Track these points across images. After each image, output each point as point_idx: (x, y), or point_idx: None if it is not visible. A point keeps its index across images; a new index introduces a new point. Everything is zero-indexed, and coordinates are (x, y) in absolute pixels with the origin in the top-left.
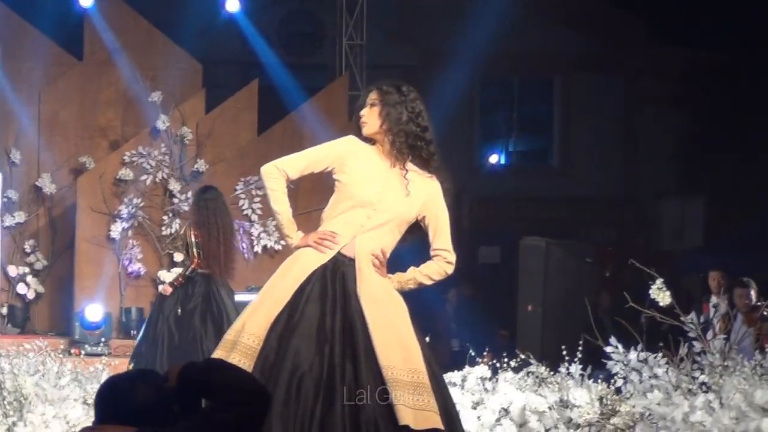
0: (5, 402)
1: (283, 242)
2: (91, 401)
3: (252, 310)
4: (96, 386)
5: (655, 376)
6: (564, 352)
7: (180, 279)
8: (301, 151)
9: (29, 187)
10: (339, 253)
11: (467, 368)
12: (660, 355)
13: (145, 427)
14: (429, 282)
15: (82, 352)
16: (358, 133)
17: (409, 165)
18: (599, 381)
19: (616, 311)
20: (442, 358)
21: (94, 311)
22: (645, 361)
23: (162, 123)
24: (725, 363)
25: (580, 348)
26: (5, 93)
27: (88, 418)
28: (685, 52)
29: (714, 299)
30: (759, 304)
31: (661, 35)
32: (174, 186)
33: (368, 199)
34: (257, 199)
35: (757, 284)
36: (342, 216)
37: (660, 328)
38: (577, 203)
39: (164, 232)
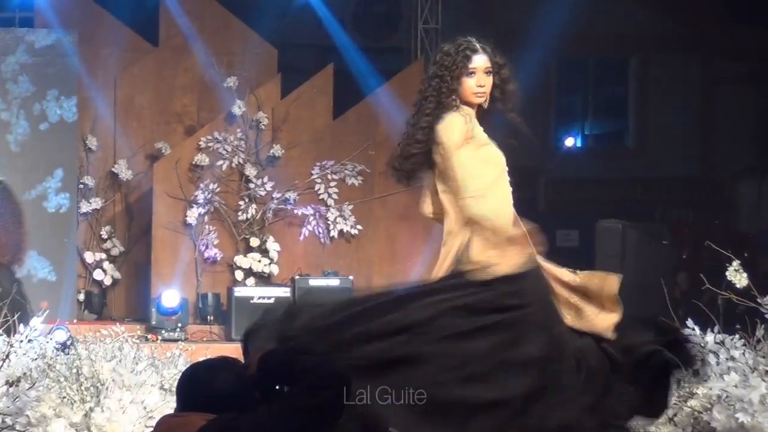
0: (82, 388)
1: (359, 227)
2: (167, 386)
3: None
4: (172, 371)
5: (732, 358)
6: None
7: None
8: (468, 170)
9: (105, 174)
10: None
11: None
12: (737, 337)
13: (226, 414)
14: None
15: (159, 337)
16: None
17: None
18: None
19: (694, 293)
20: None
21: (170, 297)
22: (722, 343)
23: (238, 108)
24: None
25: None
26: (82, 79)
27: (165, 404)
28: (763, 31)
29: None
30: None
31: (739, 14)
32: (250, 171)
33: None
34: (333, 184)
35: None
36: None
37: (736, 310)
38: (653, 185)
39: (240, 218)
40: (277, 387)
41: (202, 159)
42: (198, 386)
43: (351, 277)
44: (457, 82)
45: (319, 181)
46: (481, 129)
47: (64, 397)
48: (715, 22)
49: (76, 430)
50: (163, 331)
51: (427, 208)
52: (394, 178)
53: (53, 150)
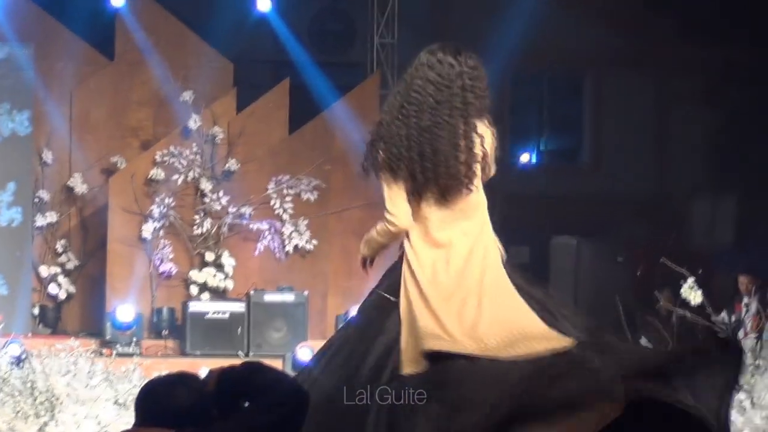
0: (37, 402)
1: (314, 241)
2: (122, 401)
3: None
4: (127, 386)
5: None
6: None
7: None
8: None
9: (61, 187)
10: None
11: None
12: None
13: (185, 430)
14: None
15: (114, 352)
16: None
17: None
18: None
19: (647, 310)
20: None
21: (125, 311)
22: None
23: (193, 122)
24: (757, 362)
25: None
26: (37, 93)
27: (119, 418)
28: (717, 49)
29: (745, 298)
30: None
31: (693, 32)
32: (205, 185)
33: None
34: (288, 198)
35: None
36: None
37: (691, 328)
38: (608, 202)
39: (196, 232)
40: (235, 403)
41: (157, 173)
42: (156, 401)
43: (306, 293)
44: None
45: (274, 195)
46: None
47: (18, 412)
48: (670, 39)
49: None
50: (117, 346)
51: (408, 219)
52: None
53: (6, 163)
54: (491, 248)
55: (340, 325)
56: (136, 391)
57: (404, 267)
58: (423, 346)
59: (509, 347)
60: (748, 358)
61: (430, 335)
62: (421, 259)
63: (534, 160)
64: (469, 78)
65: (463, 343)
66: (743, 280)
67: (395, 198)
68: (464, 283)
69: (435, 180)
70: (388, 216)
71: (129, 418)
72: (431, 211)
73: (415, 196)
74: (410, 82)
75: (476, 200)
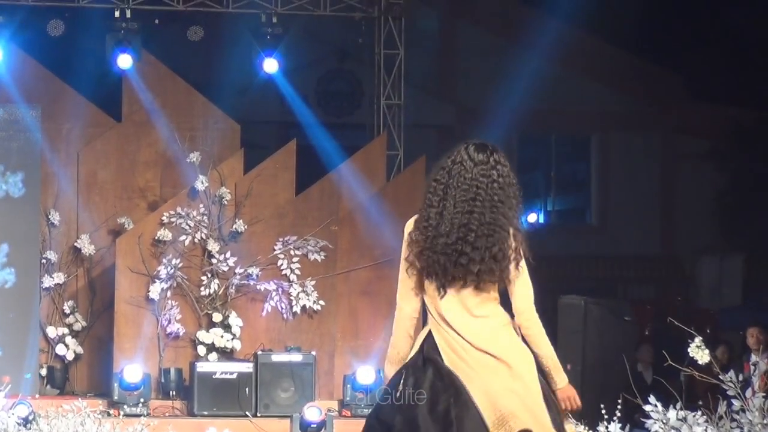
0: None
1: (322, 302)
2: None
3: None
4: None
5: None
6: (603, 411)
7: None
8: None
9: (68, 248)
10: None
11: None
12: (699, 413)
13: None
14: None
15: (121, 412)
16: None
17: None
18: None
19: (656, 370)
20: None
21: (133, 372)
22: (684, 419)
23: (200, 183)
24: (765, 421)
25: (619, 407)
26: (45, 154)
27: None
28: (723, 109)
29: (754, 357)
30: None
31: (698, 92)
32: (213, 246)
33: None
34: (296, 259)
35: None
36: None
37: (699, 387)
38: (615, 261)
39: (203, 293)
40: None
41: (164, 234)
42: None
43: (313, 353)
44: None
45: (281, 256)
46: None
47: None
48: (675, 99)
49: None
50: (125, 406)
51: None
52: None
53: None
54: None
55: (347, 385)
56: None
57: None
58: None
59: None
60: (757, 417)
61: None
62: None
63: (542, 220)
64: None
65: None
66: (753, 332)
67: None
68: None
69: None
70: None
71: None
72: None
73: None
74: None
75: None
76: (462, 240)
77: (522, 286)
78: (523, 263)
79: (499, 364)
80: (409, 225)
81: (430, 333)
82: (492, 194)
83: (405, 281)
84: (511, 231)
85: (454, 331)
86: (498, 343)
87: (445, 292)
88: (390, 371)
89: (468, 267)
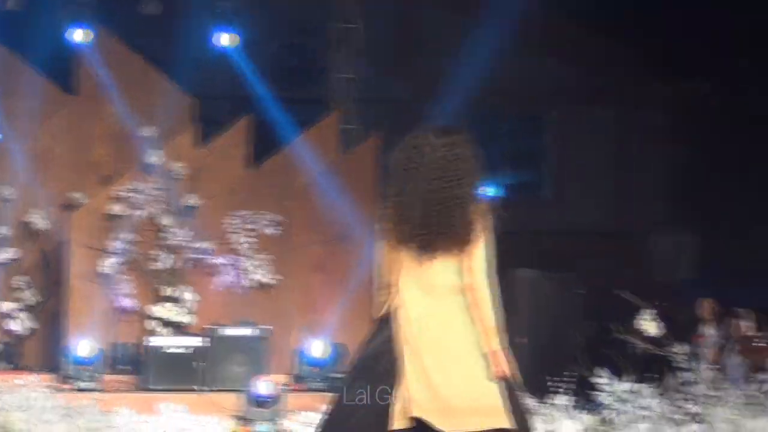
0: None
1: (276, 277)
2: None
3: None
4: (86, 421)
5: (644, 407)
6: (552, 384)
7: None
8: None
9: (21, 223)
10: None
11: None
12: (649, 385)
13: None
14: None
15: (74, 387)
16: None
17: None
18: (587, 412)
19: (607, 343)
20: None
21: (86, 346)
22: (634, 391)
23: (154, 158)
24: (715, 393)
25: (567, 379)
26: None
27: None
28: (678, 84)
29: (705, 329)
30: (753, 335)
31: (654, 67)
32: (166, 221)
33: None
34: (249, 234)
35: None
36: None
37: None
38: (570, 236)
39: (156, 267)
40: None
41: (118, 209)
42: None
43: (267, 327)
44: None
45: (235, 231)
46: None
47: None
48: (631, 74)
49: None
50: (78, 381)
51: None
52: None
53: None
54: None
55: (300, 359)
56: (95, 425)
57: None
58: None
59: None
60: (707, 389)
61: None
62: None
63: (497, 194)
64: None
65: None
66: (705, 304)
67: None
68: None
69: None
70: None
71: None
72: None
73: None
74: None
75: None
76: (434, 214)
77: (476, 259)
78: (483, 236)
79: (452, 344)
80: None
81: (393, 305)
82: (455, 171)
83: (379, 250)
84: (475, 205)
85: (418, 305)
86: (456, 319)
87: (420, 264)
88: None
89: (438, 240)
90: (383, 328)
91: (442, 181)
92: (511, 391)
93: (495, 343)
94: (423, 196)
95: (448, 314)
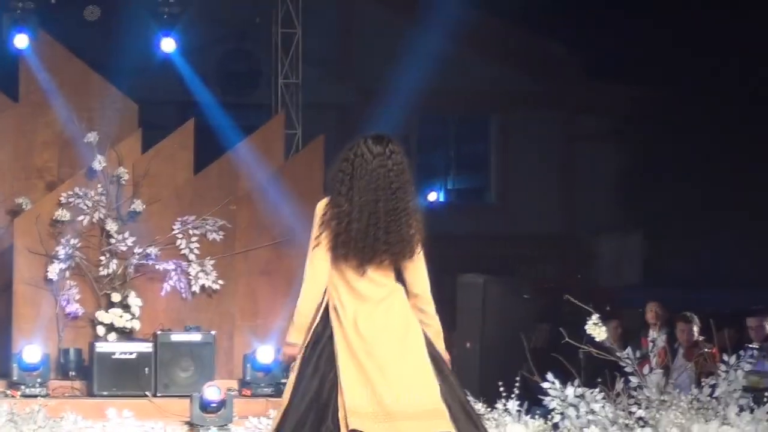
0: None
1: (221, 281)
2: None
3: None
4: (32, 427)
5: (593, 412)
6: (501, 389)
7: None
8: None
9: None
10: None
11: None
12: (597, 390)
13: None
14: None
15: (19, 393)
16: None
17: None
18: (536, 417)
19: (554, 347)
20: None
21: (31, 352)
22: (582, 396)
23: (98, 163)
24: (662, 398)
25: (517, 384)
26: None
27: None
28: (622, 89)
29: (652, 333)
30: (700, 339)
31: (598, 72)
32: (111, 226)
33: None
34: (194, 239)
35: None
36: None
37: (598, 364)
38: (515, 240)
39: (102, 273)
40: None
41: (63, 214)
42: None
43: (213, 332)
44: None
45: (180, 236)
46: None
47: None
48: (575, 79)
49: None
50: (23, 387)
51: None
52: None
53: None
54: None
55: (247, 365)
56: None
57: None
58: None
59: None
60: (654, 394)
61: None
62: None
63: (442, 199)
64: None
65: None
66: (652, 307)
67: None
68: None
69: None
70: None
71: None
72: None
73: None
74: None
75: None
76: (374, 225)
77: (420, 269)
78: (420, 246)
79: (392, 348)
80: (321, 206)
81: (329, 308)
82: (390, 182)
83: (318, 258)
84: (412, 214)
85: (358, 312)
86: (396, 325)
87: (360, 273)
88: (296, 338)
89: (381, 249)
90: (321, 332)
91: (385, 193)
92: (459, 392)
93: (443, 346)
94: (367, 208)
95: (387, 320)
